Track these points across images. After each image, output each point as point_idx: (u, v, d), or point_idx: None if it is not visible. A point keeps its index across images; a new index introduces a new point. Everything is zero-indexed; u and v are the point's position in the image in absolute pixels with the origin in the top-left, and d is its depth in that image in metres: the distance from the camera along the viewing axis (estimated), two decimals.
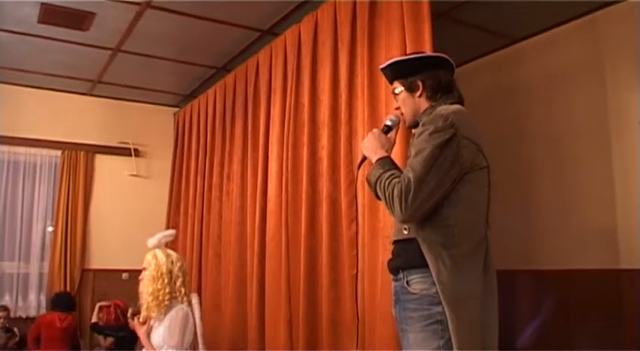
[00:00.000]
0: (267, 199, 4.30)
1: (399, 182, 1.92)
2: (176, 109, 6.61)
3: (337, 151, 3.64)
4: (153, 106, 6.58)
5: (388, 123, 2.23)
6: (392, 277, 2.16)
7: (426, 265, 1.94)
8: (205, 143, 5.60)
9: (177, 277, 3.30)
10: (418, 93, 2.16)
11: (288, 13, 4.33)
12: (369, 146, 2.14)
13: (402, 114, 2.21)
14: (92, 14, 4.34)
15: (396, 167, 2.05)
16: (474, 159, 1.99)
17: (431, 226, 1.96)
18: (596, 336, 3.69)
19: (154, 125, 6.55)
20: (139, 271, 3.41)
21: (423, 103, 2.16)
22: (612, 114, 3.89)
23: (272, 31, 4.60)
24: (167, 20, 4.40)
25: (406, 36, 3.15)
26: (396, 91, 2.22)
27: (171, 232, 3.59)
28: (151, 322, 3.25)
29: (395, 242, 2.12)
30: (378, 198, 2.04)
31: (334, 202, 3.60)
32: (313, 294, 3.65)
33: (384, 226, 3.13)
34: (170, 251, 3.44)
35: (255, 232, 4.38)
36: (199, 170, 5.65)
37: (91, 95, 6.28)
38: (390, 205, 1.94)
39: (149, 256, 3.35)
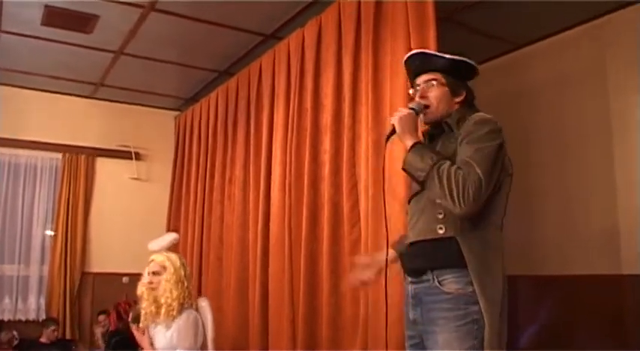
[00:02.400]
0: (270, 203, 4.30)
1: (468, 175, 1.89)
2: (177, 113, 6.61)
3: (340, 155, 3.64)
4: (154, 109, 6.58)
5: (415, 107, 2.13)
6: (410, 279, 2.14)
7: (460, 265, 1.94)
8: (207, 147, 5.60)
9: (189, 281, 3.31)
10: (458, 99, 2.17)
11: (291, 17, 4.34)
12: (406, 125, 2.06)
13: (426, 106, 2.14)
14: (96, 17, 4.34)
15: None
16: (508, 165, 2.05)
17: (473, 226, 1.97)
18: (598, 340, 3.68)
19: (155, 128, 6.54)
20: (139, 275, 3.40)
21: (454, 108, 2.16)
22: (616, 119, 3.90)
23: (275, 35, 4.61)
24: (170, 23, 4.40)
25: (411, 41, 3.15)
26: (434, 83, 2.16)
27: (177, 236, 3.58)
28: (153, 326, 3.23)
29: (419, 242, 2.09)
30: (421, 183, 2.00)
31: (336, 206, 3.60)
32: (314, 298, 3.64)
33: (389, 230, 3.11)
34: (179, 255, 3.44)
35: (257, 236, 4.38)
36: (200, 174, 5.65)
37: (93, 98, 6.28)
38: (456, 196, 1.88)
39: (163, 259, 3.32)
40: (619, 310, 3.72)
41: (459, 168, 1.92)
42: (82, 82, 5.83)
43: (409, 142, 2.05)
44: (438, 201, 1.99)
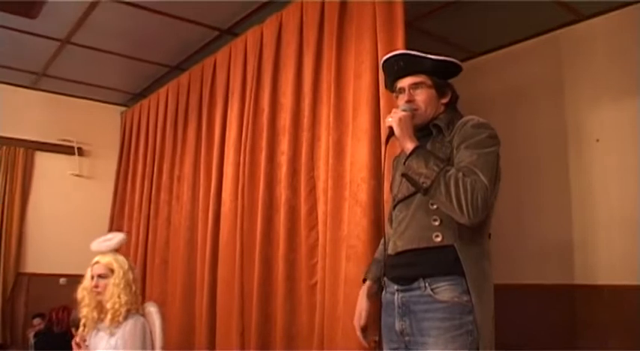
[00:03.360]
0: (221, 203, 4.15)
1: (475, 183, 1.81)
2: (124, 108, 6.35)
3: (298, 157, 3.53)
4: (100, 103, 6.29)
5: (407, 109, 2.04)
6: (396, 287, 2.03)
7: (457, 273, 1.87)
8: (154, 144, 5.38)
9: (137, 284, 3.12)
10: (444, 100, 2.12)
11: (250, 13, 4.20)
12: (405, 127, 1.97)
13: (416, 109, 2.07)
14: (42, 0, 4.08)
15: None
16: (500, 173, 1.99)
17: (471, 234, 1.91)
18: (550, 350, 3.69)
19: (100, 123, 6.25)
20: (79, 277, 3.18)
21: (440, 110, 2.12)
22: (571, 131, 3.93)
23: (232, 31, 4.46)
24: (122, 12, 4.18)
25: (378, 42, 3.07)
26: (421, 85, 2.10)
27: (124, 235, 3.37)
28: (94, 333, 3.02)
29: (410, 251, 1.99)
30: (424, 190, 1.87)
31: (293, 210, 3.49)
32: (268, 305, 3.51)
33: (347, 235, 3.03)
34: (125, 256, 3.24)
35: (206, 238, 4.21)
36: (147, 172, 5.42)
37: (34, 89, 5.94)
38: (464, 205, 1.79)
39: (109, 261, 3.09)
40: (570, 319, 3.74)
41: (464, 175, 1.84)
42: (23, 70, 5.49)
43: (410, 146, 1.95)
44: (433, 206, 1.93)
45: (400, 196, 2.09)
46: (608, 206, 3.67)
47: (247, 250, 3.74)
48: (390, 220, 2.19)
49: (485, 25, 4.08)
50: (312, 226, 3.35)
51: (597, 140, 3.75)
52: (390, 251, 2.10)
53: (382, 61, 2.21)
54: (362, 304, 2.27)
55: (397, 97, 2.15)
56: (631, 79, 3.62)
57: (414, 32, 4.06)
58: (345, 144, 3.22)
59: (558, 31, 4.09)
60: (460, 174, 1.83)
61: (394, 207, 2.13)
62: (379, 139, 2.98)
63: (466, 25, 4.02)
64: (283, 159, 3.60)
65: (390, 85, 2.21)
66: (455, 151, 1.94)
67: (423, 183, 1.86)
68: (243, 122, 4.04)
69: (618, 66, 3.70)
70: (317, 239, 3.30)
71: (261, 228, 3.62)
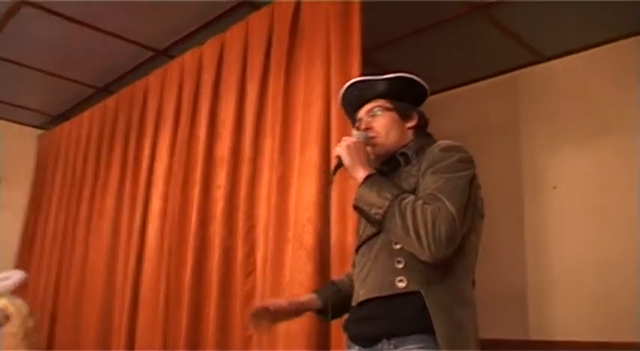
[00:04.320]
0: (145, 241, 3.73)
1: (438, 211, 1.53)
2: (42, 131, 5.80)
3: (236, 192, 3.19)
4: (13, 124, 5.66)
5: (360, 137, 1.80)
6: (357, 347, 1.70)
7: (426, 330, 1.53)
8: (74, 173, 4.91)
9: (36, 335, 2.64)
10: (410, 123, 1.88)
11: (189, 33, 3.83)
12: (356, 154, 1.73)
13: (373, 137, 1.82)
14: None
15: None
16: (480, 204, 1.74)
17: (441, 277, 1.59)
18: None
19: (12, 147, 5.60)
20: None
21: (408, 136, 1.87)
22: (527, 177, 3.75)
23: (168, 53, 4.09)
24: (45, 22, 3.71)
25: (331, 67, 2.80)
26: (378, 111, 1.87)
27: (24, 274, 2.88)
28: None
29: (371, 301, 1.67)
30: (377, 223, 1.63)
31: (228, 251, 3.13)
32: None
33: (290, 282, 2.68)
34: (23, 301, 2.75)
35: (127, 280, 3.76)
36: (63, 204, 4.92)
37: None
38: (424, 237, 1.52)
39: (4, 306, 2.61)
40: None
41: (425, 202, 1.56)
42: None
43: (361, 174, 1.69)
44: (397, 246, 1.64)
45: (364, 236, 1.81)
46: (564, 255, 3.47)
47: (174, 296, 3.34)
48: (353, 266, 1.91)
49: (442, 62, 3.90)
50: (250, 270, 3.00)
51: (554, 187, 3.57)
52: (352, 302, 1.79)
53: (340, 97, 2.00)
54: (288, 300, 2.06)
55: (356, 130, 1.91)
56: (591, 123, 3.49)
57: (368, 66, 3.84)
58: (290, 179, 2.91)
59: (517, 72, 3.92)
60: (420, 202, 1.57)
61: (357, 250, 1.85)
62: (328, 175, 2.68)
63: (422, 62, 3.80)
64: (219, 194, 3.25)
65: (353, 122, 1.98)
66: (420, 178, 1.68)
67: (375, 214, 1.61)
68: (176, 151, 3.69)
69: (578, 109, 3.56)
70: (254, 286, 2.95)
71: (191, 271, 3.23)
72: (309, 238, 2.67)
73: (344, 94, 1.97)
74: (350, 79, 2.66)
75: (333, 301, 1.88)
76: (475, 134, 3.93)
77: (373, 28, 3.07)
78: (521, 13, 3.31)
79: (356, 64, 2.71)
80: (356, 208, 1.69)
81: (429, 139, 1.87)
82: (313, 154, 2.77)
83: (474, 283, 1.71)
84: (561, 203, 3.53)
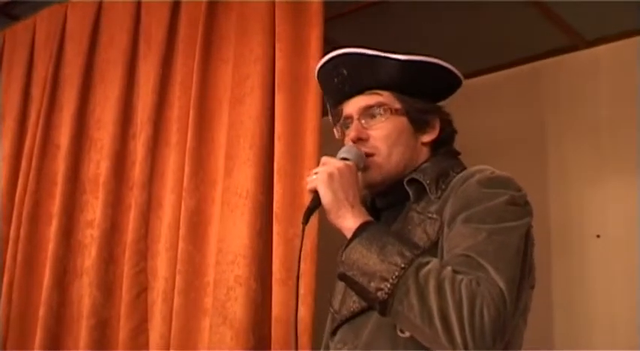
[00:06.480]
0: None
1: (477, 287, 1.00)
2: None
3: (118, 233, 2.29)
4: None
5: (349, 157, 1.21)
6: None
7: None
8: None
9: None
10: (427, 137, 1.28)
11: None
12: (341, 188, 1.15)
13: (369, 155, 1.25)
14: None
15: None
16: (533, 268, 1.21)
17: None
18: None
19: None
20: None
21: (422, 155, 1.29)
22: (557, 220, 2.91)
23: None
24: None
25: (276, 45, 1.90)
26: (379, 112, 1.26)
27: None
28: None
29: None
30: (379, 304, 1.06)
31: (103, 327, 2.20)
32: None
33: None
34: None
35: None
36: None
37: None
38: (457, 327, 0.98)
39: None
40: None
41: (457, 272, 1.04)
42: None
43: (350, 222, 1.14)
44: (405, 334, 1.12)
45: (345, 312, 1.26)
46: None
47: None
48: None
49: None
50: None
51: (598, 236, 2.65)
52: None
53: (317, 71, 1.37)
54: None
55: (342, 133, 1.33)
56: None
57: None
58: (208, 216, 2.00)
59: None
60: (448, 270, 1.05)
61: (333, 333, 1.29)
62: (271, 209, 1.85)
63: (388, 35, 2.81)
64: (91, 235, 2.24)
65: (332, 113, 1.37)
66: (446, 227, 1.15)
67: (377, 291, 1.07)
68: (21, 166, 2.56)
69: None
70: None
71: None
72: (237, 308, 1.78)
73: (324, 70, 1.33)
74: (307, 58, 1.80)
75: None
76: (480, 147, 2.89)
77: None
78: None
79: (316, 31, 1.88)
80: (344, 277, 1.14)
81: (454, 160, 1.30)
82: (246, 178, 1.87)
83: None
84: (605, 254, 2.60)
